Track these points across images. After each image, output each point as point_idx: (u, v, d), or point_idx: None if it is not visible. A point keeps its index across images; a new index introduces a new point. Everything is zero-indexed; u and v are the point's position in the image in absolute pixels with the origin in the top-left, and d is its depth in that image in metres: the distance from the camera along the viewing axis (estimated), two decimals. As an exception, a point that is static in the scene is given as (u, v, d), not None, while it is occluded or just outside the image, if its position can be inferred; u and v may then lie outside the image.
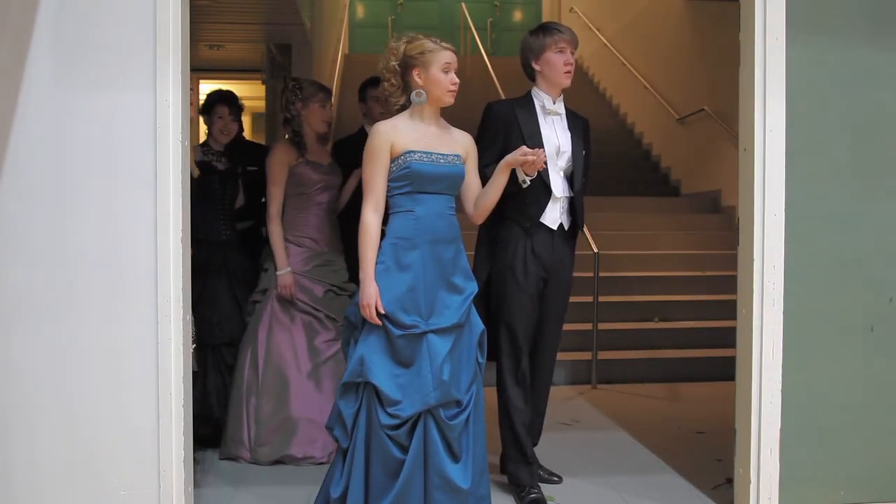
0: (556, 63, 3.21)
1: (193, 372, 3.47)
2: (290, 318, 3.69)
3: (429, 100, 2.72)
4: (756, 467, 2.96)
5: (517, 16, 13.79)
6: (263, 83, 8.52)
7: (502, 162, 2.82)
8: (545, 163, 2.87)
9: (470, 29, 11.62)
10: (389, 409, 2.59)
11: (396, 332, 2.61)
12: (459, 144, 2.81)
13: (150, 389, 2.71)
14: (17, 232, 2.69)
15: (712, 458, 3.68)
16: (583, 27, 11.69)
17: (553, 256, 3.25)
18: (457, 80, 2.73)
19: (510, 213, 3.19)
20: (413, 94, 2.71)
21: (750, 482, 2.97)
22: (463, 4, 12.53)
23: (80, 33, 2.68)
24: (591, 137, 3.41)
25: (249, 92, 10.36)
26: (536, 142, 3.13)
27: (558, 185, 3.21)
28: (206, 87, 10.35)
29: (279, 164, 3.67)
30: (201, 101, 4.02)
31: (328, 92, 3.82)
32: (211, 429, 3.81)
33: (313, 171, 3.71)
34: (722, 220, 7.59)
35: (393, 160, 2.68)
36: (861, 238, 3.02)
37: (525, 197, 3.13)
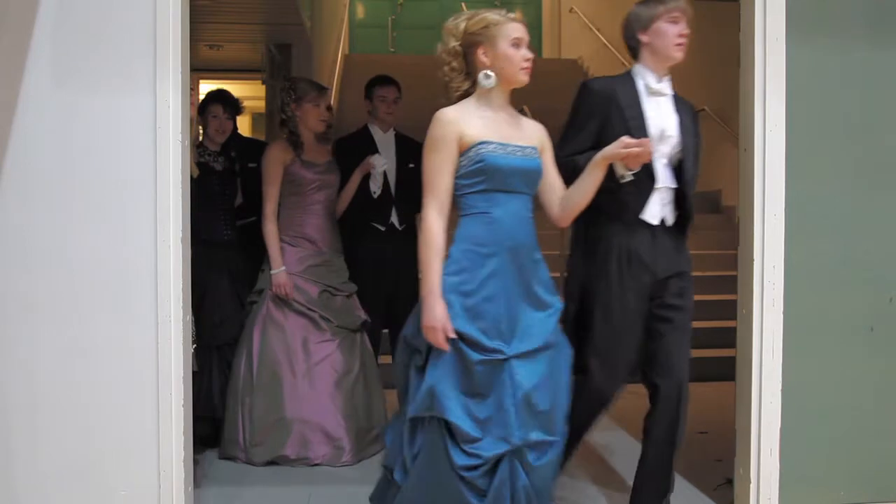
0: (669, 33, 2.88)
1: (195, 372, 3.49)
2: (285, 318, 3.69)
3: (499, 82, 2.36)
4: (756, 467, 2.96)
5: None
6: (263, 83, 8.52)
7: (599, 155, 2.44)
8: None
9: (470, 29, 11.59)
10: (468, 448, 2.21)
11: (475, 356, 2.21)
12: (534, 135, 2.46)
13: (150, 389, 2.71)
14: (16, 232, 2.69)
15: (712, 458, 3.68)
16: (583, 27, 11.70)
17: (657, 257, 2.94)
18: (530, 55, 2.37)
19: (606, 209, 2.78)
20: (481, 75, 2.34)
21: (750, 482, 2.97)
22: (463, 4, 12.51)
23: (79, 34, 2.68)
24: (699, 126, 3.09)
25: (249, 92, 10.35)
26: (639, 125, 2.77)
27: (661, 175, 2.89)
28: (206, 87, 10.37)
29: (274, 163, 3.67)
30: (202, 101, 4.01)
31: (323, 90, 3.80)
32: (213, 428, 3.81)
33: (308, 170, 3.70)
34: (722, 220, 7.57)
35: (462, 153, 2.29)
36: (861, 238, 3.02)
37: (624, 188, 2.72)
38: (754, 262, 2.95)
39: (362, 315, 3.85)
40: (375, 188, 3.96)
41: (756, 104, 2.93)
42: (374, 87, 4.15)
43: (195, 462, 2.98)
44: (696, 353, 5.69)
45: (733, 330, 3.11)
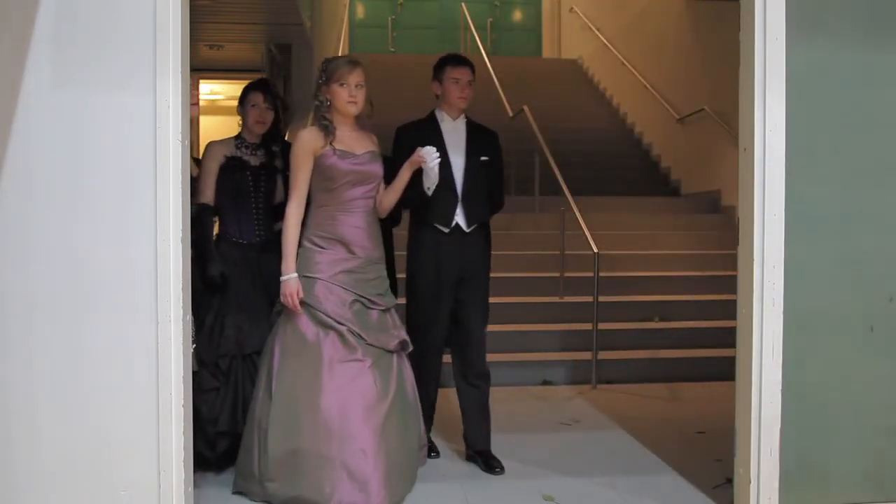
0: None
1: (216, 388, 3.41)
2: (307, 332, 3.15)
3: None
4: (756, 467, 2.96)
5: (517, 16, 13.79)
6: (263, 83, 8.51)
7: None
8: None
9: (470, 29, 11.62)
10: None
11: None
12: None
13: (150, 389, 2.71)
14: (16, 232, 2.69)
15: (712, 458, 3.68)
16: (583, 27, 11.70)
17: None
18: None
19: None
20: None
21: (750, 482, 2.97)
22: (463, 4, 12.52)
23: (79, 34, 2.68)
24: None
25: (249, 92, 10.35)
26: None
27: None
28: (206, 87, 10.37)
29: (303, 152, 3.19)
30: (202, 100, 3.88)
31: (354, 64, 3.26)
32: (223, 447, 3.47)
33: (342, 160, 3.20)
34: (722, 220, 7.58)
35: None
36: (861, 238, 3.02)
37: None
38: (754, 262, 2.95)
39: (402, 334, 3.31)
40: (429, 184, 3.42)
41: (756, 104, 2.93)
42: (444, 66, 3.60)
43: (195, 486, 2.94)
44: (696, 353, 5.77)
45: (733, 330, 3.11)
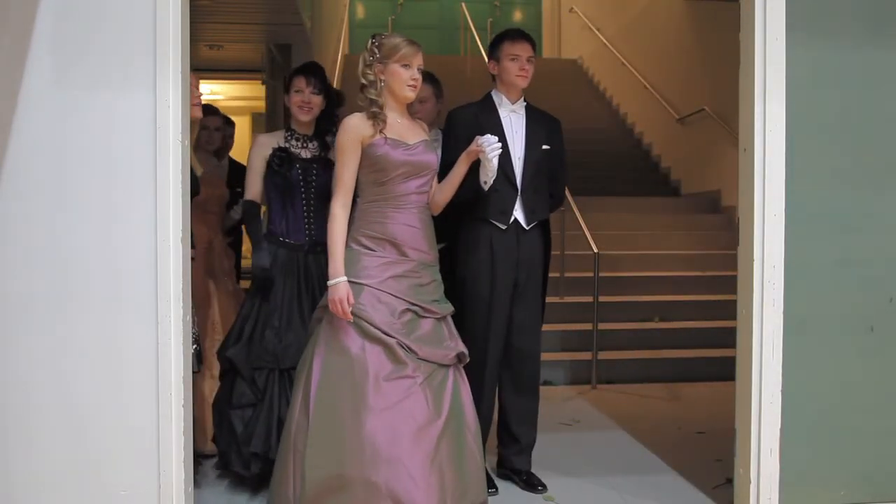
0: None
1: (253, 403, 3.23)
2: (351, 344, 2.77)
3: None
4: (756, 467, 2.96)
5: (517, 16, 13.79)
6: (263, 83, 8.52)
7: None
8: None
9: (470, 29, 11.61)
10: None
11: None
12: None
13: (150, 389, 2.71)
14: (16, 232, 2.69)
15: (712, 458, 3.68)
16: (583, 27, 11.70)
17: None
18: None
19: None
20: None
21: (750, 482, 2.97)
22: (463, 4, 12.52)
23: (80, 33, 2.68)
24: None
25: (249, 92, 10.38)
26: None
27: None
28: (206, 87, 10.37)
29: (350, 141, 2.82)
30: (203, 100, 3.74)
31: (418, 45, 2.89)
32: (257, 469, 3.24)
33: (395, 150, 2.83)
34: (722, 220, 7.59)
35: None
36: (861, 238, 3.02)
37: None
38: (754, 262, 2.95)
39: (458, 346, 2.89)
40: (487, 178, 3.06)
41: (756, 104, 2.93)
42: (501, 43, 3.27)
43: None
44: (696, 353, 5.77)
45: (733, 330, 3.11)
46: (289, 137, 3.36)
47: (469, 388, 2.91)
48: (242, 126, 11.22)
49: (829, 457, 3.01)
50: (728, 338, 3.50)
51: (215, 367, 3.60)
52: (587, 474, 3.55)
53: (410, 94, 2.87)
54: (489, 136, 2.92)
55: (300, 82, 3.35)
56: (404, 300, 2.79)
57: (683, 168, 8.64)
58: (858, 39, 3.00)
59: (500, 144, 2.92)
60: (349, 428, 2.68)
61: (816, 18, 2.96)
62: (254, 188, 3.36)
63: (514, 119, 3.28)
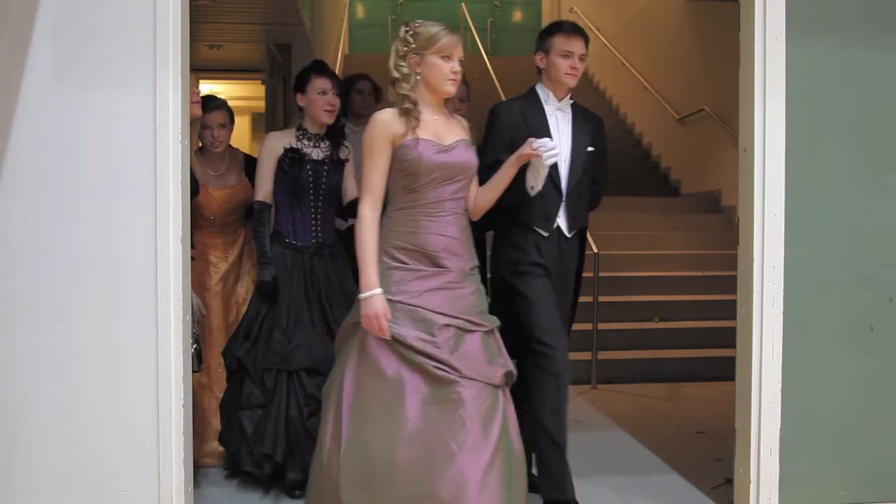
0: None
1: (262, 404, 3.18)
2: (388, 365, 2.46)
3: None
4: (756, 467, 2.96)
5: (517, 16, 13.78)
6: (263, 83, 8.53)
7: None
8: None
9: (470, 29, 11.61)
10: None
11: None
12: None
13: (150, 389, 2.71)
14: (16, 232, 2.69)
15: (712, 458, 3.68)
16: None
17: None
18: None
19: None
20: None
21: (750, 482, 2.97)
22: (463, 4, 12.52)
23: (79, 33, 2.68)
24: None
25: (249, 92, 10.37)
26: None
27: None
28: (206, 88, 10.38)
29: (380, 140, 2.51)
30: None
31: (458, 36, 2.61)
32: (272, 471, 3.23)
33: (429, 152, 2.52)
34: (722, 220, 7.59)
35: None
36: (861, 238, 3.02)
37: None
38: (754, 262, 2.95)
39: (507, 363, 2.57)
40: (534, 183, 2.77)
41: (756, 104, 2.93)
42: (553, 36, 3.02)
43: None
44: (696, 353, 5.76)
45: (733, 330, 3.11)
46: (300, 137, 3.28)
47: (514, 412, 2.55)
48: (242, 126, 11.23)
49: (829, 457, 3.01)
50: (728, 338, 3.50)
51: (219, 388, 3.56)
52: (587, 474, 3.54)
53: (451, 89, 2.57)
54: (546, 139, 2.65)
55: (324, 83, 3.24)
56: (444, 315, 2.47)
57: (683, 168, 8.64)
58: (858, 39, 2.99)
59: (557, 150, 2.68)
60: (385, 458, 2.39)
61: (816, 18, 2.96)
62: (265, 188, 3.28)
63: (560, 118, 3.05)
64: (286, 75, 8.07)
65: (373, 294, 2.44)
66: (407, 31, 2.58)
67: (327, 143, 3.31)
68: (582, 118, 3.10)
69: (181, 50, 2.70)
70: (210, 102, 3.62)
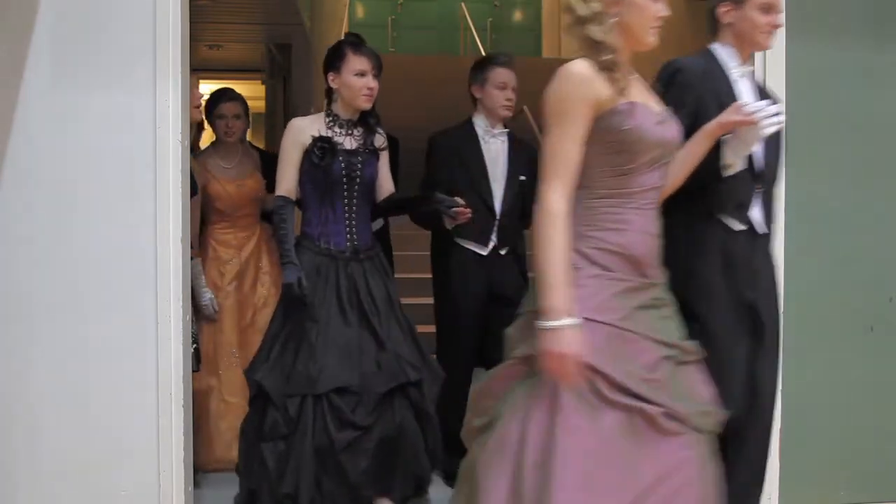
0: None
1: (285, 435, 2.70)
2: (589, 411, 1.78)
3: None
4: (756, 467, 2.96)
5: (517, 16, 13.78)
6: (263, 83, 8.52)
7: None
8: None
9: (470, 29, 11.61)
10: None
11: None
12: None
13: (150, 389, 2.71)
14: (16, 232, 2.69)
15: (712, 458, 3.67)
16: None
17: None
18: None
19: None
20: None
21: (750, 482, 2.97)
22: (463, 4, 12.52)
23: (79, 34, 2.68)
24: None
25: (249, 92, 10.36)
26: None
27: None
28: (206, 88, 10.37)
29: (580, 102, 1.90)
30: (203, 101, 3.63)
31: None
32: None
33: (650, 121, 1.91)
34: (722, 220, 7.57)
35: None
36: (861, 238, 3.02)
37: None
38: (754, 262, 2.94)
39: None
40: (735, 159, 2.17)
41: (756, 104, 2.93)
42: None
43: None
44: (696, 353, 5.72)
45: (733, 330, 3.10)
46: (331, 123, 2.83)
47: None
48: (242, 126, 11.22)
49: (829, 457, 3.01)
50: (728, 338, 3.49)
51: (228, 392, 3.47)
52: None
53: (653, 40, 2.00)
54: (763, 101, 2.12)
55: (362, 63, 2.78)
56: (659, 342, 1.85)
57: (683, 168, 8.63)
58: (858, 39, 3.00)
59: (783, 115, 2.11)
60: None
61: (816, 18, 2.96)
62: (288, 182, 2.81)
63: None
64: (286, 75, 8.07)
65: (561, 325, 1.75)
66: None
67: (360, 129, 2.87)
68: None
69: (181, 50, 2.70)
70: (226, 93, 3.62)
